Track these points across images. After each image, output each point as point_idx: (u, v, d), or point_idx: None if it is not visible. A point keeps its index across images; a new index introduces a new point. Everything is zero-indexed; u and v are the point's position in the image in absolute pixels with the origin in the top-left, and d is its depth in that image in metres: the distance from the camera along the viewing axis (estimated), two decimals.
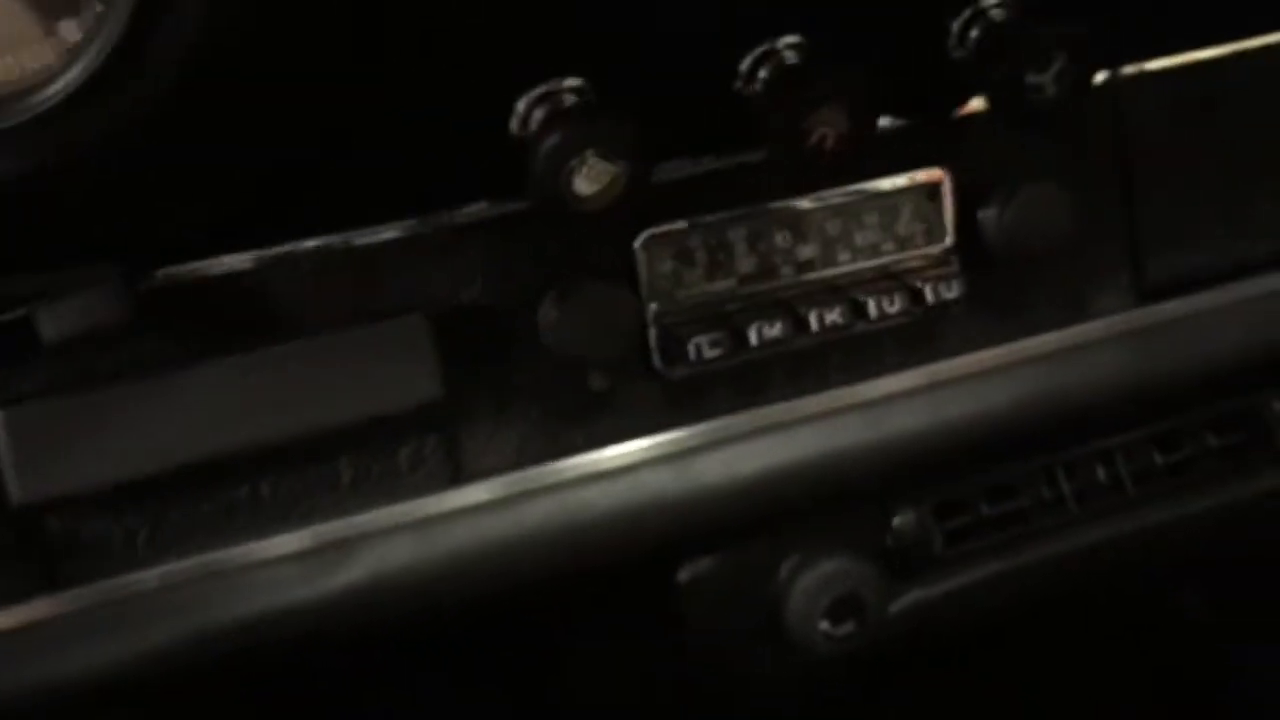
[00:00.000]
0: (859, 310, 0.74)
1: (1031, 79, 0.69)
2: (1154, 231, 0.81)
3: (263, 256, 0.66)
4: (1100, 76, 0.79)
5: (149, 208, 0.61)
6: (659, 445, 0.73)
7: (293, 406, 0.66)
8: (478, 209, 0.70)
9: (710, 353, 0.71)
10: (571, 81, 0.67)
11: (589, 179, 0.64)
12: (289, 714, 0.97)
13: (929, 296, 0.74)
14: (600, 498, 0.73)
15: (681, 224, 0.72)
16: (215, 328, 0.66)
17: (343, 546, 0.69)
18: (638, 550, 0.74)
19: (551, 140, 0.62)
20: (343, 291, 0.68)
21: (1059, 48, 0.69)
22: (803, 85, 0.66)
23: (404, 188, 0.68)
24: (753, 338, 0.72)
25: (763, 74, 0.70)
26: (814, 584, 0.75)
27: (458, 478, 0.71)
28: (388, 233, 0.68)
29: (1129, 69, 0.80)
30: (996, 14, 0.73)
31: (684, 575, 0.76)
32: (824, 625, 0.74)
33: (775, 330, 0.72)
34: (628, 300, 0.69)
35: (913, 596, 0.79)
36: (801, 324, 0.73)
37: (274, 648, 0.69)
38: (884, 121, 0.74)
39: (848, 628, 0.74)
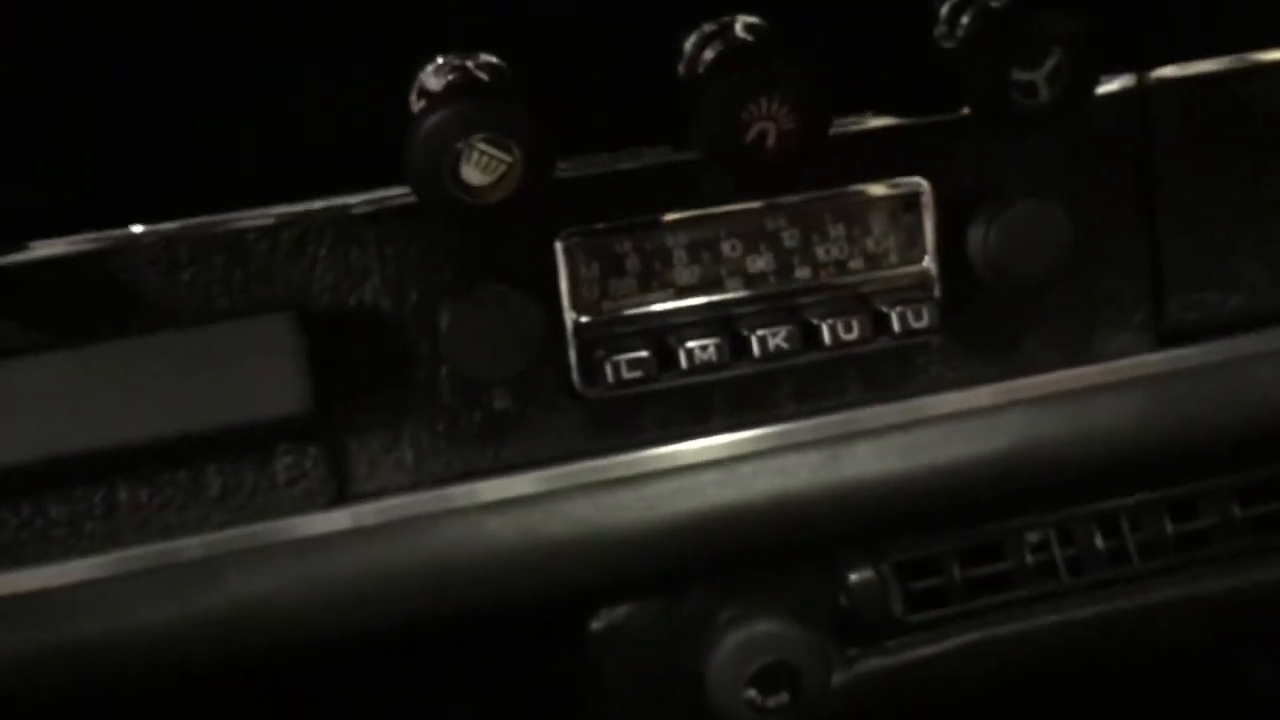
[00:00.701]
0: (811, 335, 0.64)
1: (1019, 76, 0.59)
2: (1178, 264, 0.69)
3: (119, 238, 0.59)
4: (1123, 81, 0.68)
5: None
6: (574, 474, 0.65)
7: (148, 405, 0.59)
8: (375, 196, 0.62)
9: (629, 374, 0.62)
10: (483, 58, 0.60)
11: (478, 168, 0.55)
12: None
13: (895, 324, 0.64)
14: (504, 529, 0.65)
15: (610, 225, 0.64)
16: (65, 315, 0.59)
17: (206, 566, 0.62)
18: (545, 591, 0.65)
19: (433, 120, 0.54)
20: (213, 282, 0.60)
21: (1053, 42, 0.59)
22: (739, 71, 0.57)
23: (289, 168, 0.61)
24: (683, 359, 0.63)
25: (706, 55, 0.61)
26: (740, 646, 0.65)
27: (342, 497, 0.64)
28: (266, 217, 0.61)
29: (1160, 73, 0.69)
30: None
31: (597, 624, 0.67)
32: (750, 694, 0.64)
33: (709, 353, 0.63)
34: (533, 310, 0.60)
35: (866, 666, 0.69)
36: (742, 346, 0.64)
37: (119, 673, 0.62)
38: (860, 120, 0.66)
39: (779, 699, 0.65)
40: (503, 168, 0.55)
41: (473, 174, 0.55)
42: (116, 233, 0.60)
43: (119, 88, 0.56)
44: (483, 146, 0.54)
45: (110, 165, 0.57)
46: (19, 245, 0.59)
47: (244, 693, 0.90)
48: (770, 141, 0.58)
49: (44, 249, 0.59)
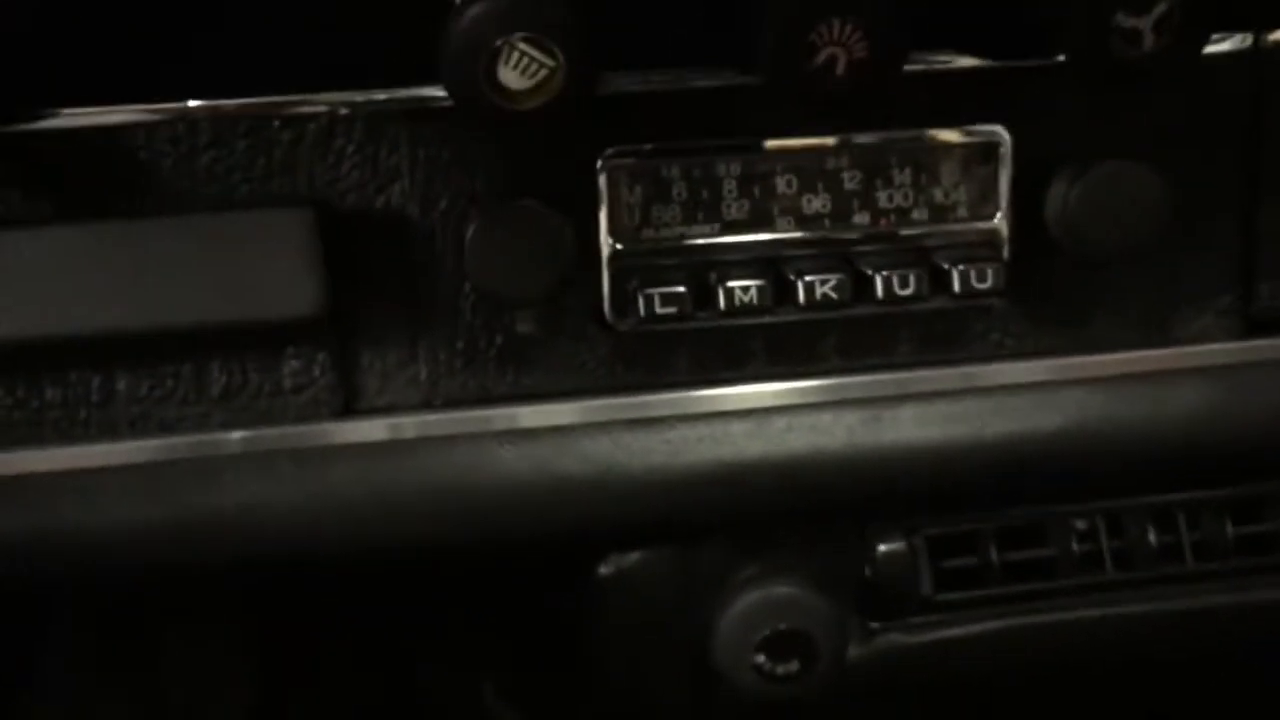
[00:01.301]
0: (863, 286, 0.60)
1: (1123, 21, 0.54)
2: (1276, 246, 0.64)
3: (139, 112, 0.56)
4: (1236, 42, 0.62)
5: None
6: (596, 409, 0.61)
7: (154, 291, 0.56)
8: (411, 94, 0.58)
9: (663, 309, 0.58)
10: None
11: (517, 70, 0.51)
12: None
13: (956, 283, 0.59)
14: (517, 460, 0.61)
15: (657, 147, 0.59)
16: (76, 189, 0.56)
17: (202, 466, 0.60)
18: (555, 530, 0.62)
19: (473, 13, 0.50)
20: (230, 167, 0.57)
21: None
22: None
23: (322, 55, 0.56)
24: (721, 299, 0.59)
25: None
26: (753, 608, 0.61)
27: (350, 409, 0.61)
28: (293, 105, 0.57)
29: (1277, 36, 0.63)
30: None
31: (606, 569, 0.64)
32: (759, 659, 0.61)
33: (750, 295, 0.59)
34: (566, 230, 0.56)
35: (886, 642, 0.65)
36: (786, 291, 0.59)
37: (105, 567, 0.60)
38: (941, 57, 0.60)
39: (788, 667, 0.62)
40: (543, 72, 0.51)
41: (510, 76, 0.51)
42: (136, 107, 0.57)
43: None
44: (523, 47, 0.50)
45: (138, 38, 0.54)
46: (35, 113, 0.56)
47: (240, 606, 0.89)
48: (839, 69, 0.52)
49: (60, 119, 0.56)
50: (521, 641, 1.01)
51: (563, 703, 1.08)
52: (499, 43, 0.50)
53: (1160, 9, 0.53)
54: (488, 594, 0.95)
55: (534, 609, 0.96)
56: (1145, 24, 0.54)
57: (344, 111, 0.57)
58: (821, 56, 0.52)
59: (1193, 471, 0.65)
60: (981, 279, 0.59)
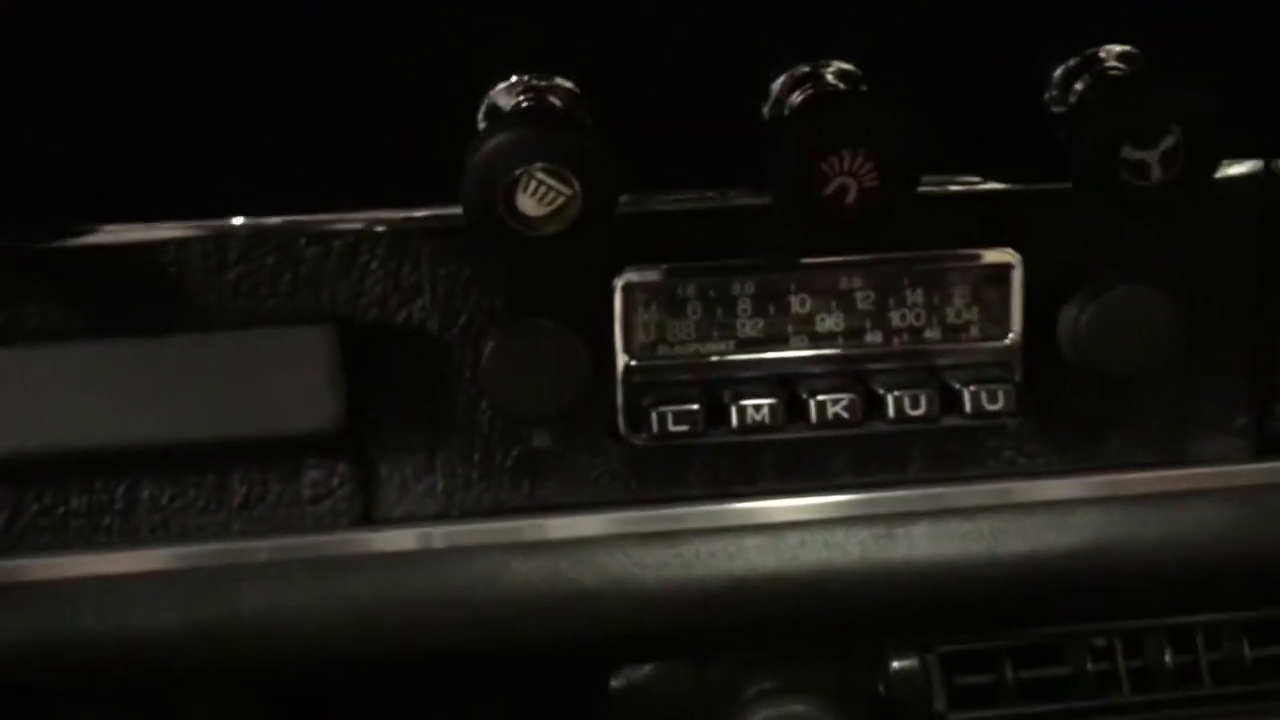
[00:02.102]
0: (874, 405, 0.60)
1: (1130, 154, 0.55)
2: None
3: (171, 229, 0.58)
4: (1248, 167, 0.63)
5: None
6: (610, 522, 0.61)
7: (179, 404, 0.57)
8: (434, 214, 0.59)
9: (676, 426, 0.59)
10: (558, 82, 0.57)
11: (534, 198, 0.52)
12: None
13: (968, 404, 0.60)
14: (532, 572, 0.62)
15: (673, 267, 0.60)
16: (108, 304, 0.58)
17: (221, 575, 0.61)
18: (568, 641, 0.62)
19: (493, 144, 0.52)
20: (257, 282, 0.58)
21: (1172, 120, 0.54)
22: (824, 119, 0.53)
23: (349, 176, 0.58)
24: (734, 417, 0.60)
25: (794, 98, 0.57)
26: None
27: (368, 519, 0.62)
28: (321, 223, 0.59)
29: None
30: (1114, 67, 0.58)
31: (618, 681, 0.64)
32: None
33: (763, 414, 0.59)
34: (581, 348, 0.57)
35: None
36: (799, 409, 0.60)
37: (122, 672, 0.60)
38: (953, 182, 0.61)
39: None
40: (560, 200, 0.52)
41: (528, 203, 0.52)
42: (169, 224, 0.58)
43: (190, 80, 0.55)
44: (541, 176, 0.51)
45: (172, 157, 0.56)
46: (71, 229, 0.58)
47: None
48: (850, 198, 0.54)
49: (94, 235, 0.58)
50: None
51: None
52: (518, 172, 0.52)
53: (1168, 142, 0.54)
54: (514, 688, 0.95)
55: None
56: (1153, 157, 0.55)
57: (368, 229, 0.59)
58: (833, 186, 0.54)
59: (1210, 592, 0.65)
60: (993, 400, 0.60)
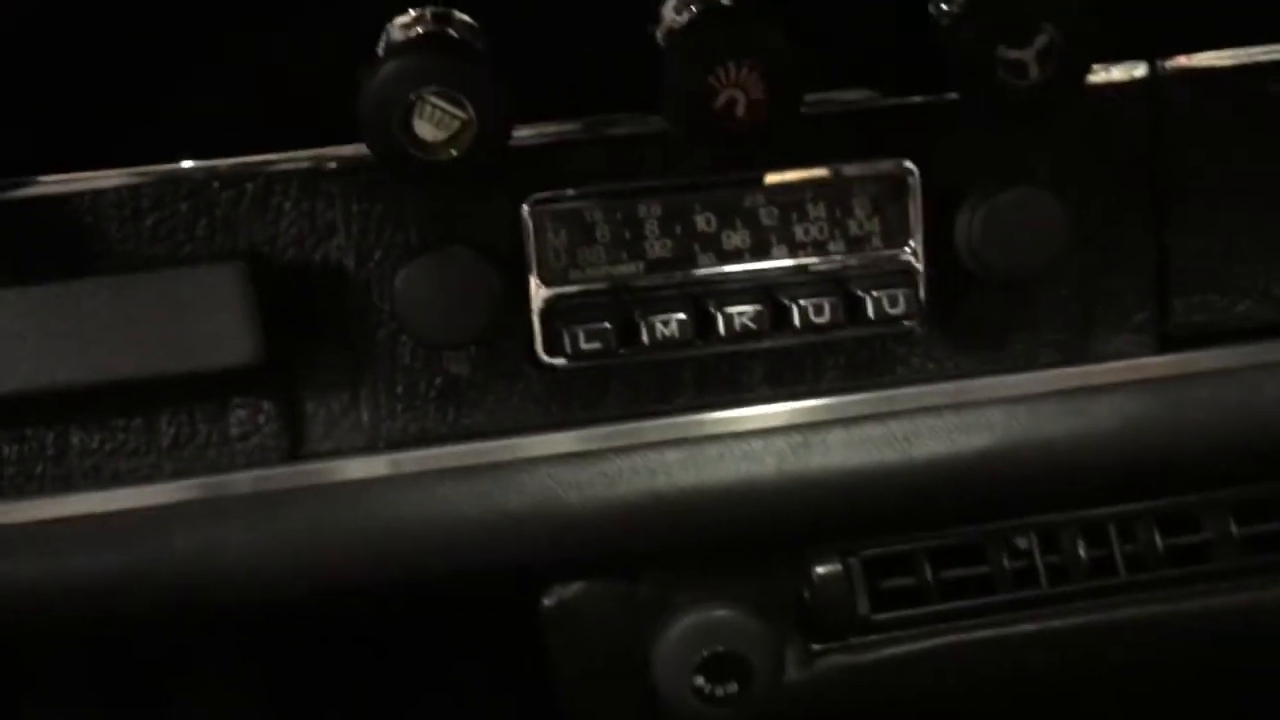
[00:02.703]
0: (781, 316, 0.62)
1: (1006, 54, 0.56)
2: (1185, 264, 0.66)
3: (83, 181, 0.59)
4: (1134, 70, 0.65)
5: None
6: (533, 445, 0.63)
7: (101, 348, 0.58)
8: (344, 152, 0.61)
9: (588, 344, 0.61)
10: (455, 15, 0.58)
11: (430, 122, 0.54)
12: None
13: (870, 310, 0.62)
14: (459, 498, 0.63)
15: (580, 192, 0.62)
16: (28, 256, 0.59)
17: (155, 516, 0.62)
18: (497, 564, 0.64)
19: (386, 70, 0.53)
20: (173, 228, 0.60)
21: (1044, 19, 0.55)
22: (709, 33, 0.55)
23: (257, 118, 0.59)
24: (644, 334, 0.61)
25: (681, 17, 0.58)
26: (690, 631, 0.63)
27: (295, 455, 0.63)
28: (231, 167, 0.60)
29: (1174, 63, 0.65)
30: None
31: (549, 601, 0.66)
32: (698, 682, 0.63)
33: (672, 328, 0.61)
34: (492, 275, 0.58)
35: (829, 664, 0.67)
36: (707, 323, 0.62)
37: (62, 616, 0.62)
38: (846, 96, 0.63)
39: (728, 689, 0.63)
40: (456, 124, 0.54)
41: (425, 128, 0.54)
42: (80, 176, 0.60)
43: (96, 32, 0.56)
44: (434, 100, 0.53)
45: (82, 110, 0.57)
46: None
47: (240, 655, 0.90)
48: (739, 111, 0.55)
49: (9, 191, 0.59)
50: (519, 681, 1.02)
51: None
52: (412, 97, 0.53)
53: (1042, 40, 0.56)
54: (482, 635, 0.96)
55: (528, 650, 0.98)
56: (1029, 55, 0.56)
57: (280, 171, 0.60)
58: (721, 99, 0.55)
59: (1118, 485, 0.67)
60: (894, 304, 0.62)
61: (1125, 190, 0.65)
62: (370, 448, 0.63)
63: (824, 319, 0.61)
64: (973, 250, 0.62)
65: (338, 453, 0.63)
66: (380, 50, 0.57)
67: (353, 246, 0.61)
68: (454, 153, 0.54)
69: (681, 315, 0.61)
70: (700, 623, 0.63)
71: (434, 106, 0.53)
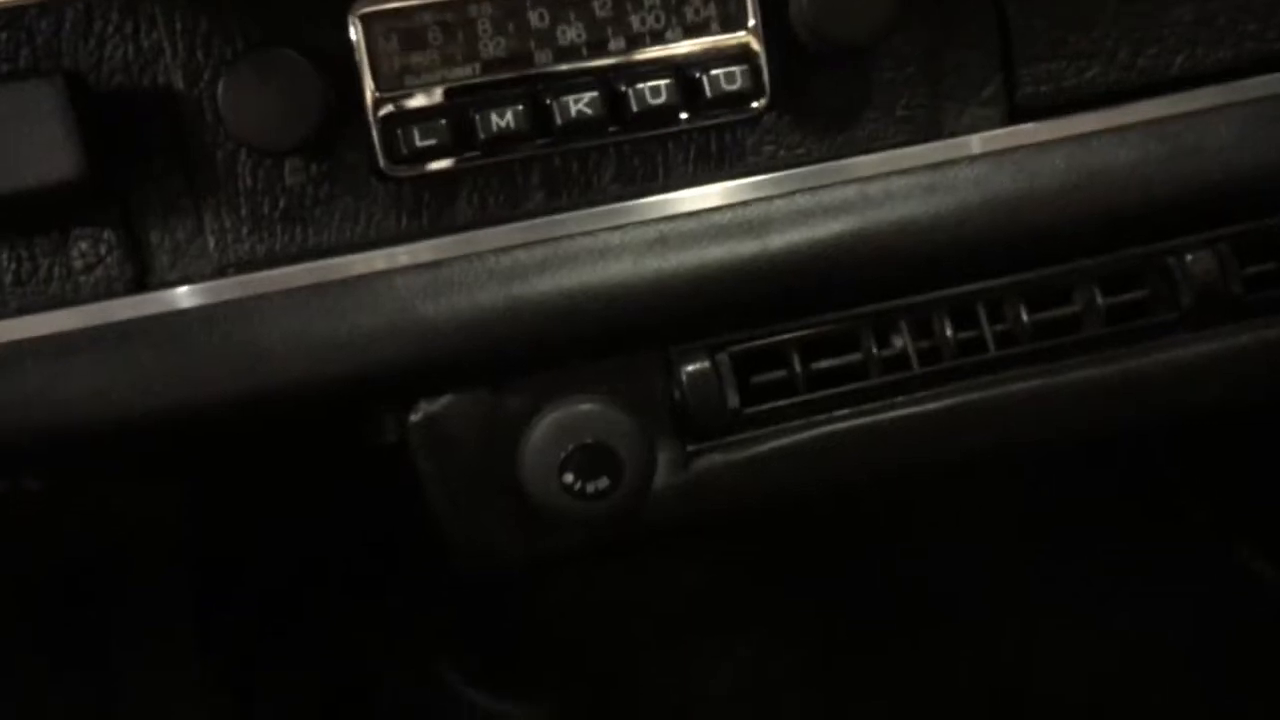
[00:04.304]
0: (619, 102, 0.62)
1: None
2: (1029, 32, 0.65)
3: None
4: None
5: None
6: (384, 258, 0.62)
7: None
8: None
9: (424, 142, 0.60)
10: None
11: None
12: None
13: (708, 89, 0.61)
14: (312, 317, 0.62)
15: None
16: None
17: (6, 352, 0.61)
18: (359, 381, 0.63)
19: None
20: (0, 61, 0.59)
21: None
22: None
23: None
24: (480, 129, 0.61)
25: None
26: (556, 426, 0.63)
27: (143, 285, 0.63)
28: None
29: None
30: None
31: (416, 416, 0.65)
32: (567, 478, 0.62)
33: (508, 119, 0.61)
34: (316, 76, 0.58)
35: (703, 462, 0.66)
36: (545, 115, 0.62)
37: None
38: None
39: (598, 484, 0.63)
40: None
41: None
42: None
43: None
44: None
45: None
46: None
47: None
48: None
49: None
50: (476, 624, 1.03)
51: (522, 678, 1.09)
52: None
53: None
54: (439, 583, 0.97)
55: (484, 592, 0.98)
56: None
57: None
58: None
59: (980, 260, 0.67)
60: (731, 81, 0.61)
61: None
62: (219, 274, 0.63)
63: (660, 100, 0.61)
64: (806, 24, 0.61)
65: (186, 280, 0.62)
66: None
67: (180, 67, 0.60)
68: None
69: (518, 107, 0.61)
70: (566, 418, 0.63)
71: None
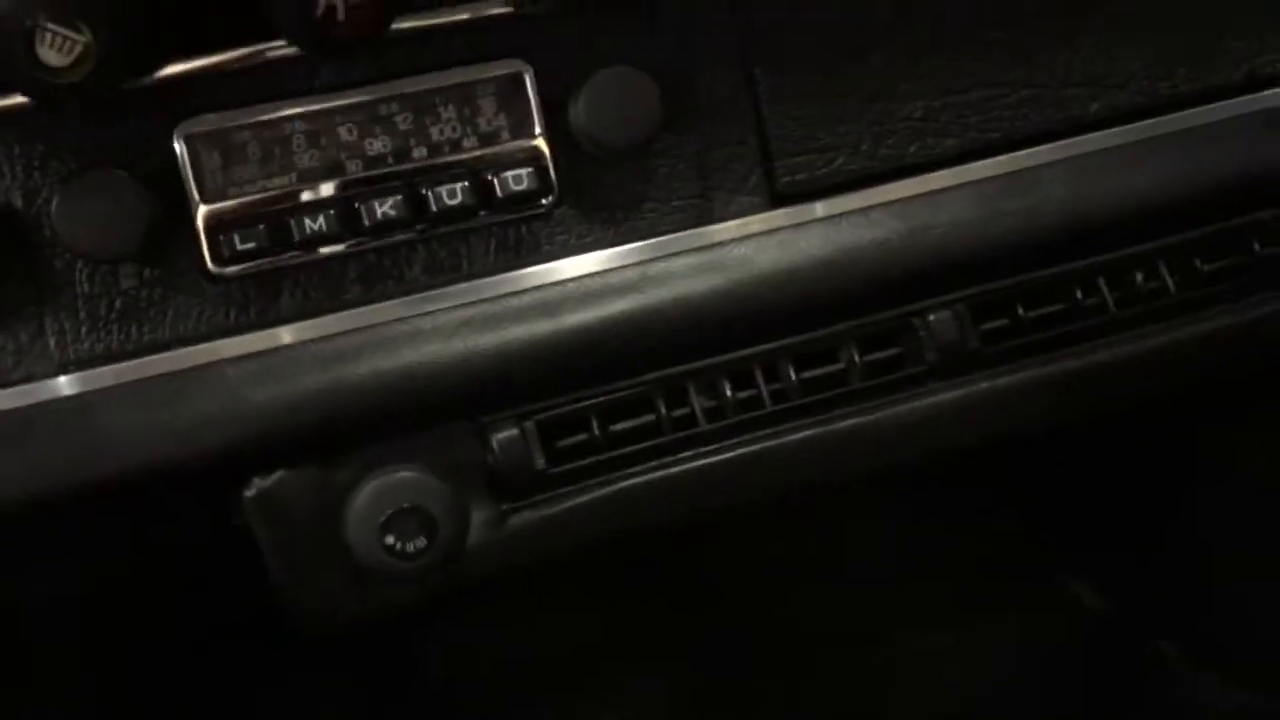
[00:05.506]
0: (421, 204, 0.70)
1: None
2: (783, 130, 0.76)
3: None
4: None
5: None
6: (213, 350, 0.69)
7: None
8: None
9: (244, 246, 0.67)
10: None
11: (54, 49, 0.60)
12: None
13: (499, 189, 0.70)
14: (155, 406, 0.69)
15: (225, 115, 0.69)
16: None
17: None
18: (195, 464, 0.70)
19: (2, 7, 0.59)
20: None
21: None
22: None
23: None
24: (295, 232, 0.68)
25: None
26: (375, 495, 0.70)
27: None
28: None
29: None
30: None
31: (250, 492, 0.72)
32: (389, 540, 0.69)
33: (319, 224, 0.68)
34: (139, 189, 0.65)
35: (516, 520, 0.74)
36: (356, 218, 0.69)
37: None
38: (455, 9, 0.71)
39: (417, 543, 0.70)
40: (79, 48, 0.60)
41: (50, 55, 0.60)
42: None
43: None
44: (52, 26, 0.59)
45: None
46: None
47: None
48: (340, 15, 0.63)
49: None
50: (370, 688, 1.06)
51: None
52: (29, 23, 0.59)
53: None
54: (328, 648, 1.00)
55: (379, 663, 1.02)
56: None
57: None
58: (321, 7, 0.63)
59: (751, 327, 0.76)
60: (519, 182, 0.70)
61: (719, 66, 0.75)
62: (61, 372, 0.69)
63: (458, 200, 0.69)
64: (582, 130, 0.71)
65: (29, 379, 0.68)
66: None
67: (19, 187, 0.67)
68: (84, 71, 0.60)
69: (330, 211, 0.68)
70: (385, 485, 0.70)
71: (53, 33, 0.59)
